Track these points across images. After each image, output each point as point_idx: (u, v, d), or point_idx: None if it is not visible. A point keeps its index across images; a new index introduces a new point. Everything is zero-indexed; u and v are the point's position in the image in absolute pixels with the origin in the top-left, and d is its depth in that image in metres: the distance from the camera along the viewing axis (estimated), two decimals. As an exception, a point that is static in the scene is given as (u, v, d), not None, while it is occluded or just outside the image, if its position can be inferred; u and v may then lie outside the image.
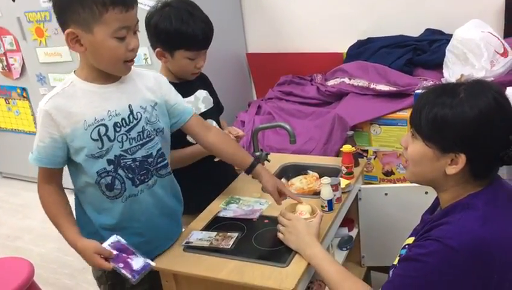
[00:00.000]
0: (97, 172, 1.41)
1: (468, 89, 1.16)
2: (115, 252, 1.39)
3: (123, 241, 1.41)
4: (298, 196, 1.71)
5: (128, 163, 1.44)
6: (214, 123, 1.94)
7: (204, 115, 1.88)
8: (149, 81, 1.52)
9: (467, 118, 1.12)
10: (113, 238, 1.41)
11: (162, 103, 1.52)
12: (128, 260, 1.39)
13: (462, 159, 1.15)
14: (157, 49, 1.77)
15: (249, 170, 1.68)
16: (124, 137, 1.43)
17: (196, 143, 1.80)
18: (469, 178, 1.18)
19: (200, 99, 1.90)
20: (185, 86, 1.84)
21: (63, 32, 1.33)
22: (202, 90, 1.92)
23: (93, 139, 1.38)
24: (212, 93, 2.00)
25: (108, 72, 1.41)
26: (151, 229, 1.54)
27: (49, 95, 1.38)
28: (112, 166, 1.42)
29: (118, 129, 1.42)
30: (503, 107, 1.14)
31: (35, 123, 3.81)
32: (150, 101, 1.49)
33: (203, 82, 1.96)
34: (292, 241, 1.50)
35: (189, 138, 1.85)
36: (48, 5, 3.20)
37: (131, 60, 1.40)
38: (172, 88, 1.59)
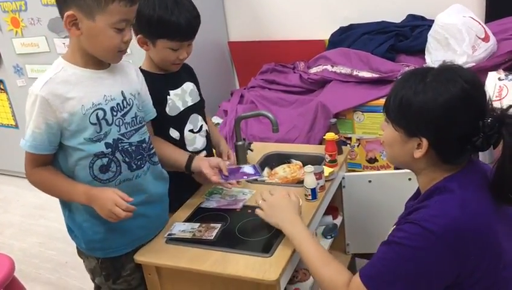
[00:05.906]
0: (95, 154, 1.42)
1: (436, 74, 1.16)
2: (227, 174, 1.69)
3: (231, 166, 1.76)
4: (280, 185, 1.69)
5: (125, 147, 1.47)
6: (200, 118, 1.88)
7: (191, 110, 1.84)
8: (133, 71, 1.57)
9: (429, 104, 1.13)
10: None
11: (141, 94, 1.56)
12: (242, 171, 1.76)
13: (424, 143, 1.16)
14: (139, 36, 1.71)
15: (188, 164, 1.69)
16: (120, 121, 1.46)
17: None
18: (438, 162, 1.19)
19: (187, 92, 1.84)
20: (172, 78, 1.80)
21: (62, 13, 1.34)
22: (189, 83, 1.87)
23: (92, 123, 1.40)
24: (197, 86, 1.95)
25: (101, 58, 1.43)
26: (151, 205, 1.56)
27: (43, 80, 1.36)
28: (109, 149, 1.44)
29: (114, 113, 1.44)
30: (469, 96, 1.13)
31: (13, 116, 3.73)
32: (135, 90, 1.53)
33: (189, 74, 1.91)
34: (274, 216, 1.48)
35: (171, 133, 1.80)
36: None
37: (124, 51, 1.42)
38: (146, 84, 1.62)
